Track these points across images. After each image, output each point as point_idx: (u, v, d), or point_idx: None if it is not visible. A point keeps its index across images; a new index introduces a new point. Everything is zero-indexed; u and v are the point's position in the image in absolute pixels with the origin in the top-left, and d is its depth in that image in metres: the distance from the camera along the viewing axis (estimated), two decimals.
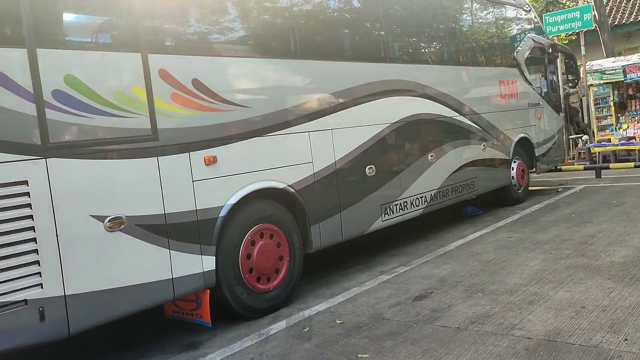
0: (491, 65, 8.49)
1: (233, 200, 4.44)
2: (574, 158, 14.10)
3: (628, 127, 14.58)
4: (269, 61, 4.98)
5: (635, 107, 15.17)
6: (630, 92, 15.52)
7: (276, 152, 4.86)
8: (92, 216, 3.57)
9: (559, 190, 9.84)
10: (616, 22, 19.71)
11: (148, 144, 3.91)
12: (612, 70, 14.46)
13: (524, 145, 9.13)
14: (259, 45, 5.01)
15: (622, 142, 13.28)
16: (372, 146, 5.92)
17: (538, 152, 9.41)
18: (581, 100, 15.46)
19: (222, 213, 4.36)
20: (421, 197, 6.62)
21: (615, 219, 6.94)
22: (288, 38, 5.23)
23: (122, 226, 3.71)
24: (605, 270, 4.84)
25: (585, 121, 14.92)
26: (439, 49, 7.53)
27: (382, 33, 6.35)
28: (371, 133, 5.92)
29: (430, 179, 6.78)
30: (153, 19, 4.14)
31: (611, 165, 11.08)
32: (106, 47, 3.93)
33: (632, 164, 10.62)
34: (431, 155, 6.81)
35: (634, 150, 12.82)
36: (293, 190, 4.97)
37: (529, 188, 9.97)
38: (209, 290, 4.27)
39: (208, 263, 4.24)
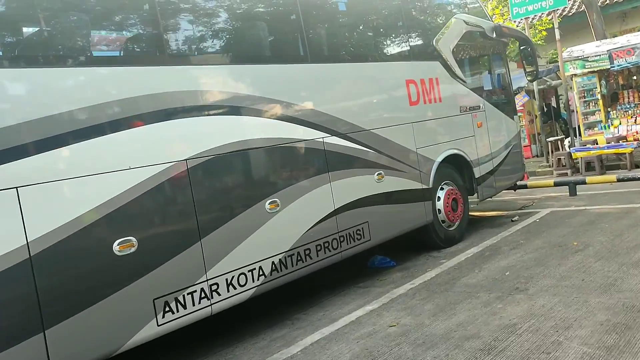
0: (389, 59, 6.06)
1: None
2: (552, 166, 11.57)
3: (620, 124, 12.03)
4: None
5: (629, 98, 12.58)
6: (621, 81, 12.95)
7: None
8: None
9: (514, 219, 7.39)
10: (607, 1, 17.08)
11: None
12: (596, 56, 11.94)
13: (458, 165, 6.72)
14: None
15: (609, 144, 10.73)
16: (129, 205, 3.56)
17: (479, 171, 6.97)
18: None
19: None
20: (251, 271, 4.25)
21: (563, 282, 4.52)
22: None
23: None
24: None
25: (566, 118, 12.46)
26: (290, 39, 5.12)
27: (158, 19, 4.00)
28: (127, 183, 3.57)
29: (270, 238, 4.42)
30: None
31: (588, 179, 8.58)
32: None
33: (614, 177, 8.10)
34: (271, 203, 4.44)
35: (624, 153, 10.28)
36: None
37: (486, 214, 7.69)
38: None
39: None
